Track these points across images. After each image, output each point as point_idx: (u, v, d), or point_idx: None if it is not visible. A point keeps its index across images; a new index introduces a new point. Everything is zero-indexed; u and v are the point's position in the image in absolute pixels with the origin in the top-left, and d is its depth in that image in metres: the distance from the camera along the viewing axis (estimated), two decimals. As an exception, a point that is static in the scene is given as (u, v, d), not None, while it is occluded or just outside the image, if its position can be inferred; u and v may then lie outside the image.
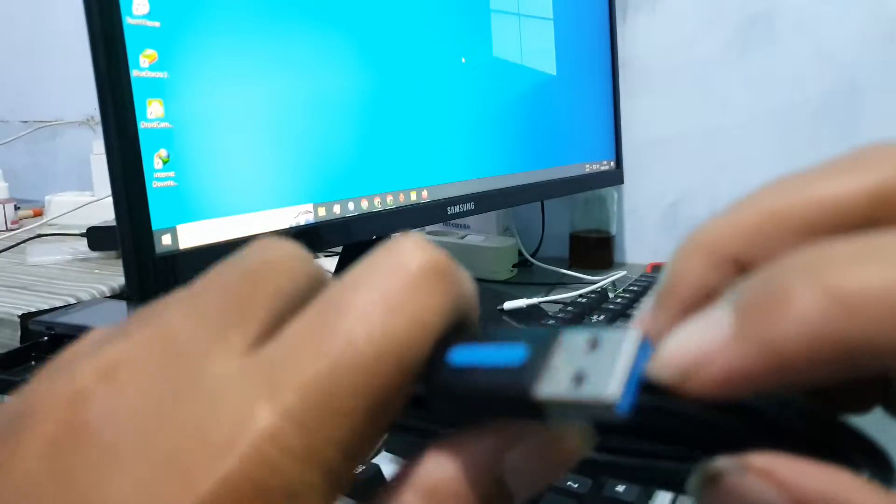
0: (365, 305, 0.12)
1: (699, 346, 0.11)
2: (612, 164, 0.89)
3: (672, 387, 0.11)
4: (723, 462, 0.11)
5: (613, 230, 0.92)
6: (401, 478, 0.13)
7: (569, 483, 0.33)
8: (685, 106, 0.92)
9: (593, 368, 0.11)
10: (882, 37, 0.82)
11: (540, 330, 0.12)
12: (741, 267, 0.13)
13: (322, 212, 0.50)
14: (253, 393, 0.11)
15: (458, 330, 0.13)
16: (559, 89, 0.78)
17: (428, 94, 0.60)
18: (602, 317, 0.58)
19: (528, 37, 0.72)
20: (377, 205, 0.55)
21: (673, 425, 0.12)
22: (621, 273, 0.79)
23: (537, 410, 0.11)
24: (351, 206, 0.52)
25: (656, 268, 0.85)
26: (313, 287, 0.14)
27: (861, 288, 0.10)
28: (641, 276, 0.73)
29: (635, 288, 0.67)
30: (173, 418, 0.11)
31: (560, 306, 0.63)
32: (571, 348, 0.12)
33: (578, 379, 0.11)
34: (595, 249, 0.91)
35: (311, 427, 0.11)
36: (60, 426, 0.12)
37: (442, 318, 0.12)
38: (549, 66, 0.76)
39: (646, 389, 0.11)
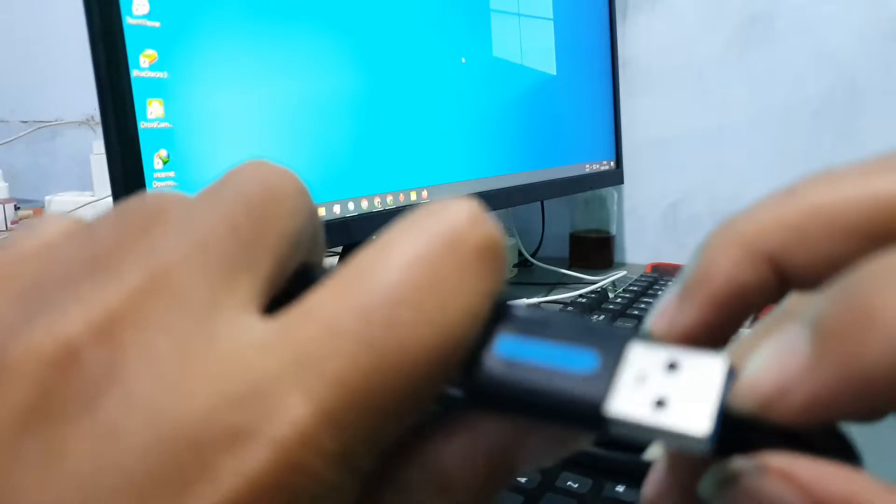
0: (416, 287, 0.10)
1: (780, 373, 0.10)
2: (612, 164, 0.89)
3: (754, 417, 0.11)
4: (739, 463, 0.11)
5: (613, 230, 0.92)
6: (407, 456, 0.12)
7: (569, 483, 0.33)
8: (685, 106, 0.92)
9: (677, 395, 0.10)
10: (882, 37, 0.82)
11: (600, 328, 0.12)
12: (777, 265, 0.12)
13: (322, 212, 0.50)
14: (281, 375, 0.10)
15: (496, 312, 0.12)
16: (559, 89, 0.78)
17: (428, 94, 0.60)
18: (602, 317, 0.58)
19: (528, 37, 0.72)
20: (377, 205, 0.55)
21: (738, 445, 0.11)
22: (621, 273, 0.79)
23: (603, 425, 0.11)
24: (351, 206, 0.52)
25: (656, 268, 0.85)
26: (312, 231, 0.13)
27: None
28: (641, 276, 0.73)
29: (635, 288, 0.67)
30: (185, 394, 0.09)
31: (560, 306, 0.63)
32: (645, 364, 0.11)
33: (660, 403, 0.10)
34: (595, 249, 0.91)
35: (348, 428, 0.10)
36: (41, 392, 0.09)
37: (490, 303, 0.11)
38: (549, 66, 0.76)
39: (724, 416, 0.11)
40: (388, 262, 0.10)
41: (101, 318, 0.10)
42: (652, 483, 0.14)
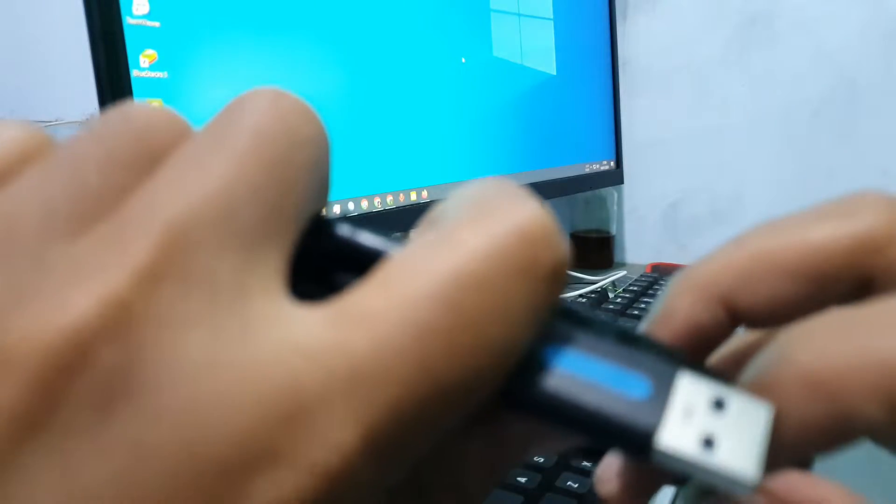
0: (483, 311, 0.09)
1: None
2: (612, 164, 0.89)
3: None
4: None
5: (613, 230, 0.92)
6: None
7: (569, 483, 0.33)
8: (685, 106, 0.92)
9: (724, 436, 0.11)
10: (882, 37, 0.82)
11: (650, 348, 0.12)
12: (728, 305, 0.13)
13: (322, 212, 0.50)
14: (331, 394, 0.08)
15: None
16: (559, 89, 0.78)
17: (428, 94, 0.60)
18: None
19: (528, 37, 0.72)
20: (377, 205, 0.55)
21: None
22: (621, 273, 0.79)
23: (649, 454, 0.11)
24: (351, 205, 0.52)
25: (656, 268, 0.85)
26: (327, 177, 0.12)
27: (836, 372, 0.11)
28: (641, 275, 0.73)
29: (635, 288, 0.67)
30: (221, 407, 0.08)
31: (560, 306, 0.63)
32: (693, 398, 0.11)
33: (707, 443, 0.11)
34: (595, 249, 0.91)
35: (391, 453, 0.09)
36: (44, 396, 0.08)
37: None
38: (549, 66, 0.76)
39: None
40: (456, 275, 0.09)
41: (112, 308, 0.08)
42: (606, 466, 0.14)
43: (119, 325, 0.08)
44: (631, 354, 0.11)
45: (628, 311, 0.60)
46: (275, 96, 0.11)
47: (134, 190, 0.10)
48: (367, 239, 0.11)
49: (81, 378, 0.08)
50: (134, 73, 0.38)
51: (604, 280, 0.76)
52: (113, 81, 0.37)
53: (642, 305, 0.61)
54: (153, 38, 0.39)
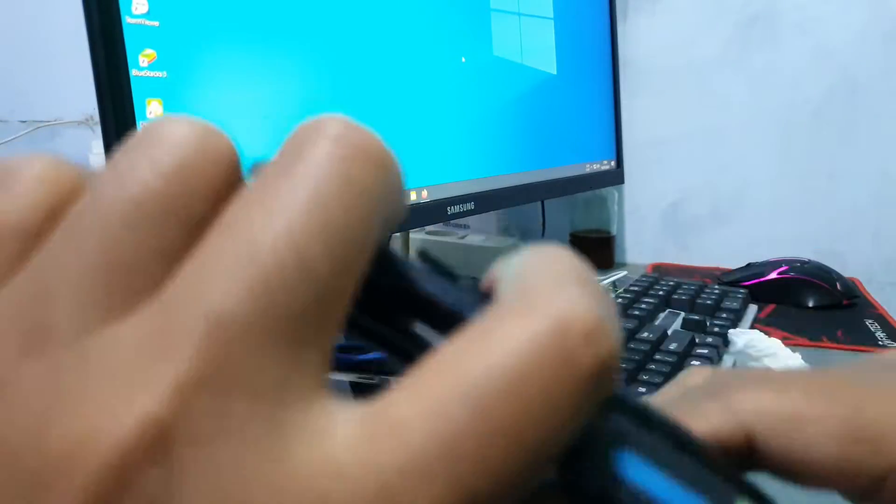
0: (517, 415, 0.09)
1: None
2: (613, 164, 0.89)
3: None
4: None
5: (614, 230, 0.91)
6: None
7: (569, 483, 0.33)
8: (685, 106, 0.92)
9: None
10: (882, 37, 0.82)
11: (712, 469, 0.12)
12: None
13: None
14: None
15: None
16: (559, 89, 0.78)
17: (428, 94, 0.59)
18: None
19: (528, 36, 0.72)
20: (377, 205, 0.54)
21: None
22: (622, 273, 0.79)
23: None
24: (351, 206, 0.52)
25: (657, 268, 0.85)
26: (399, 212, 0.11)
27: None
28: (642, 276, 0.73)
29: (636, 288, 0.67)
30: None
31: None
32: None
33: None
34: (595, 249, 0.91)
35: None
36: None
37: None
38: (549, 65, 0.76)
39: None
40: (487, 378, 0.09)
41: (153, 429, 0.08)
42: None
43: (158, 446, 0.08)
44: (692, 471, 0.12)
45: (629, 312, 0.60)
46: (336, 137, 0.10)
47: (169, 255, 0.09)
48: (428, 284, 0.11)
49: (125, 496, 0.08)
50: (133, 72, 0.38)
51: (604, 280, 0.76)
52: (112, 81, 0.37)
53: (643, 306, 0.61)
54: (152, 37, 0.39)
